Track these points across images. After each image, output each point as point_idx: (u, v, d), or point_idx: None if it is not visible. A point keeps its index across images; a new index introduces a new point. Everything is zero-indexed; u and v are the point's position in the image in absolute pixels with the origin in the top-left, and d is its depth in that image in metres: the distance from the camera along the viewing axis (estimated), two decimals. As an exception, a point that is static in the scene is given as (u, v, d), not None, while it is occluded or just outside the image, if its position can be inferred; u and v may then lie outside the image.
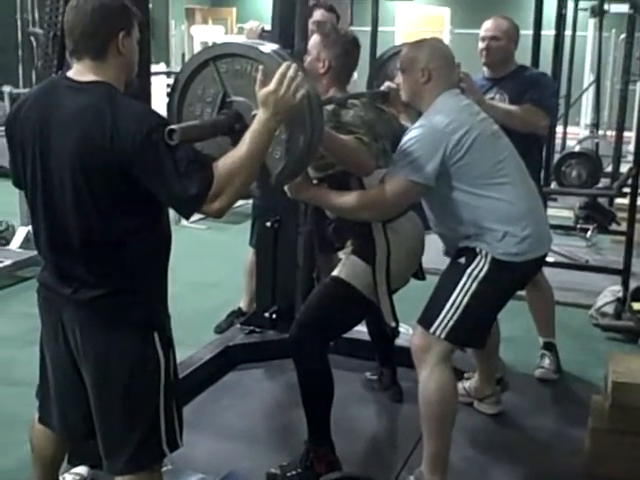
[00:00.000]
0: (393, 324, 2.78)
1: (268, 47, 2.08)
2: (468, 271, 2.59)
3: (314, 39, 2.74)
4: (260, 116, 1.95)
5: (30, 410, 2.33)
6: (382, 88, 2.94)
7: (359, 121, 2.56)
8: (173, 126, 1.84)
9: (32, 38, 6.83)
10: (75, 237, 1.97)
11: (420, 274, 2.98)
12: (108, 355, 2.02)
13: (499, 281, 2.60)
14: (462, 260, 2.63)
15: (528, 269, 2.71)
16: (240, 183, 1.91)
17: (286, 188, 2.68)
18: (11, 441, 2.91)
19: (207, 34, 11.03)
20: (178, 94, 2.15)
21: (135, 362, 2.03)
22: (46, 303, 2.12)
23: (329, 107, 2.56)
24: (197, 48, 10.06)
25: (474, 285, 2.58)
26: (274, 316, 3.88)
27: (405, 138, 2.57)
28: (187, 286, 4.87)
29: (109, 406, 2.05)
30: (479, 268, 2.58)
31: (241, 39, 3.70)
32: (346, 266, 2.79)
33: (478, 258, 2.59)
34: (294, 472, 2.76)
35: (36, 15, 9.09)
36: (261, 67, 1.98)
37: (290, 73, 1.95)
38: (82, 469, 2.69)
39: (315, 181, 2.69)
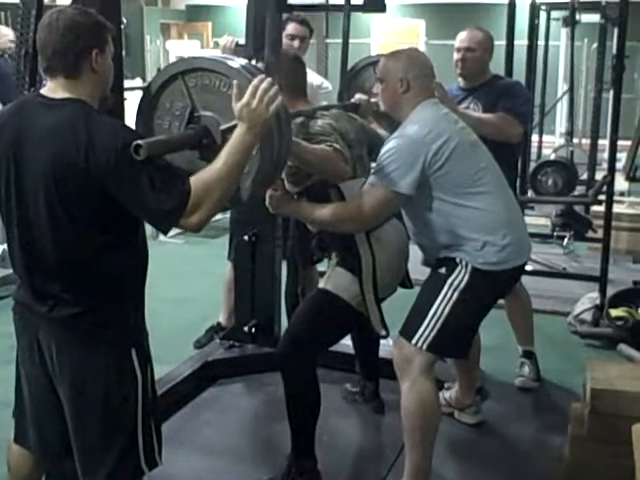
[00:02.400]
0: (384, 333, 2.77)
1: (237, 62, 2.08)
2: (449, 281, 2.59)
3: None
4: (237, 130, 1.94)
5: (6, 430, 2.31)
6: (353, 100, 2.95)
7: (329, 129, 2.57)
8: (140, 141, 1.83)
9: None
10: (50, 255, 1.96)
11: (407, 282, 2.98)
12: (84, 373, 2.01)
13: (480, 290, 2.60)
14: (442, 270, 2.63)
15: (509, 277, 2.72)
16: (217, 197, 1.91)
17: (267, 203, 2.68)
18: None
19: (183, 49, 11.01)
20: (147, 107, 2.14)
21: (112, 380, 2.02)
22: (22, 321, 2.10)
23: (297, 120, 2.56)
24: (173, 63, 10.01)
25: (455, 295, 2.58)
26: (253, 330, 3.86)
27: (384, 148, 2.57)
28: (165, 301, 4.84)
29: (86, 424, 2.03)
30: (460, 278, 2.59)
31: (216, 53, 3.70)
32: (332, 278, 2.79)
33: (458, 268, 2.59)
34: (275, 488, 2.75)
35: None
36: (235, 82, 1.98)
37: (263, 86, 1.95)
38: (60, 489, 2.65)
39: (295, 196, 2.69)
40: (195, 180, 1.89)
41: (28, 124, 1.95)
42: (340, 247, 2.78)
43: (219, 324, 4.27)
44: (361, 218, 2.60)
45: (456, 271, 2.60)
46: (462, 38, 3.64)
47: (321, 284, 2.81)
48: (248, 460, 3.05)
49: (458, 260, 2.60)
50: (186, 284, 5.55)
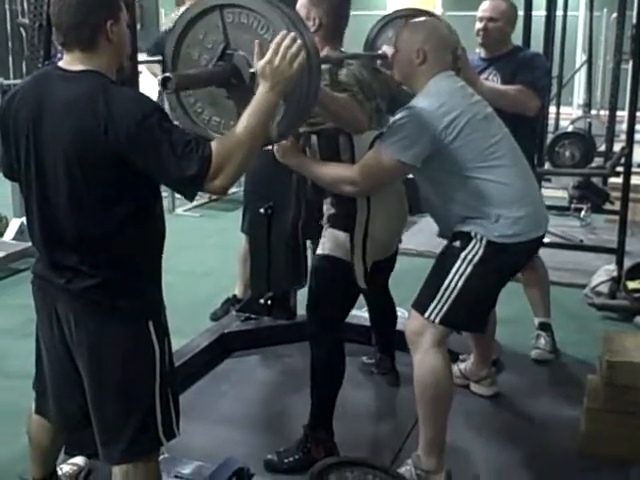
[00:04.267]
0: (364, 286, 2.79)
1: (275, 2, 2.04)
2: (462, 255, 2.58)
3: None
4: (259, 89, 1.92)
5: (27, 402, 2.34)
6: (380, 52, 2.92)
7: (353, 80, 2.56)
8: (168, 74, 1.81)
9: (21, 29, 6.79)
10: (69, 228, 1.97)
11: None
12: (102, 345, 2.02)
13: (495, 263, 2.58)
14: (457, 244, 2.61)
15: (525, 250, 2.69)
16: (241, 158, 1.89)
17: (274, 150, 2.67)
18: (8, 433, 2.91)
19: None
20: (178, 33, 2.10)
21: (130, 351, 2.03)
22: (40, 294, 2.12)
23: (325, 65, 2.54)
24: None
25: (469, 269, 2.56)
26: (269, 302, 3.88)
27: (395, 117, 2.55)
28: (182, 274, 4.87)
29: (105, 395, 2.05)
30: (474, 252, 2.57)
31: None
32: (327, 239, 2.81)
33: (473, 242, 2.57)
34: (291, 458, 2.77)
35: (25, 6, 9.02)
36: (257, 41, 1.95)
37: (286, 42, 1.92)
38: (79, 459, 2.69)
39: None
40: (216, 144, 1.89)
41: (47, 97, 1.95)
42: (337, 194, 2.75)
43: (235, 296, 4.29)
44: (364, 183, 2.59)
45: (470, 245, 2.57)
46: (485, 7, 3.59)
47: (319, 250, 2.83)
48: (264, 431, 3.08)
49: (473, 234, 2.58)
50: (202, 257, 5.58)
